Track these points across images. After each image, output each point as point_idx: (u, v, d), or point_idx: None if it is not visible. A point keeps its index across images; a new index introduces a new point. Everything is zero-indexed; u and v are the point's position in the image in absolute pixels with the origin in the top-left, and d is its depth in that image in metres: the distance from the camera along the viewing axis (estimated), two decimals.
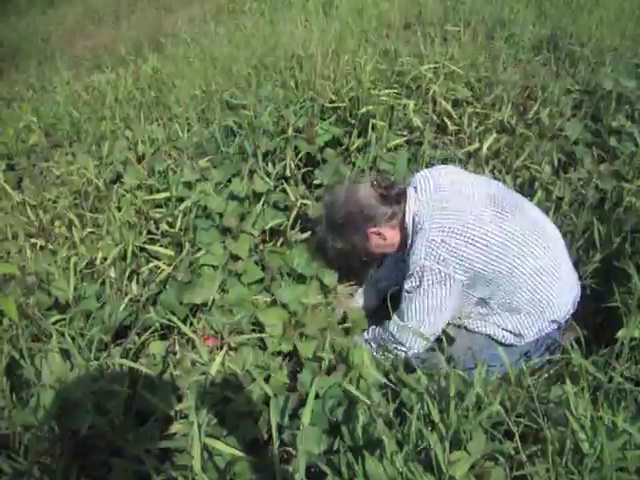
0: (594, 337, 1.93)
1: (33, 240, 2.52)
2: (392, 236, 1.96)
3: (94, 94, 4.24)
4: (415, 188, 1.92)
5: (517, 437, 1.36)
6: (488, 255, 1.73)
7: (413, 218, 1.86)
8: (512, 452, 1.39)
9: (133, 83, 4.23)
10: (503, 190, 1.94)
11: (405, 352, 1.91)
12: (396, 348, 1.91)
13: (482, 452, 1.36)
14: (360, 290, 2.46)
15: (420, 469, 1.29)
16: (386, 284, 2.35)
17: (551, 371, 1.77)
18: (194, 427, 1.36)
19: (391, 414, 1.52)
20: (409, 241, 1.90)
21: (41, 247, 2.49)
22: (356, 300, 2.44)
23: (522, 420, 1.45)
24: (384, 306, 2.12)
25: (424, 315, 1.81)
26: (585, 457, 1.26)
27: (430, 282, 1.76)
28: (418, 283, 1.78)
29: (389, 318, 1.99)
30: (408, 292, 1.84)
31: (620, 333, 1.67)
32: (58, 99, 4.34)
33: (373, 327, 2.06)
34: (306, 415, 1.41)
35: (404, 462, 1.29)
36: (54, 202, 2.69)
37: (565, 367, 1.73)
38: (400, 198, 1.91)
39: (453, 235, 1.72)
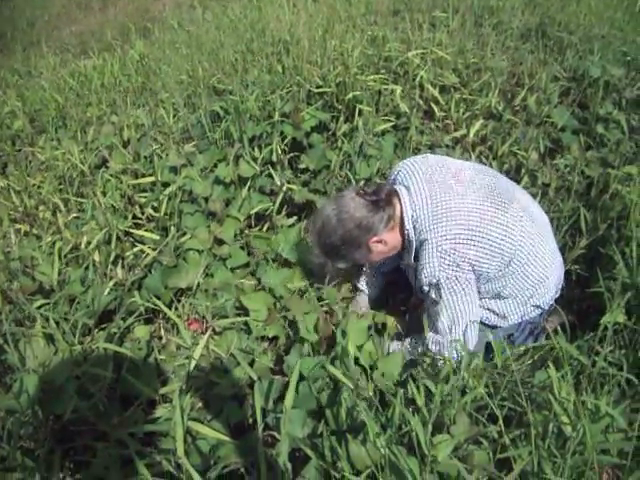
0: (579, 322, 1.95)
1: (17, 225, 2.50)
2: (392, 239, 1.89)
3: (80, 80, 4.19)
4: (407, 188, 1.85)
5: (501, 421, 1.37)
6: (491, 253, 1.73)
7: (413, 225, 1.81)
8: (496, 435, 1.40)
9: (120, 69, 4.20)
10: (494, 177, 1.90)
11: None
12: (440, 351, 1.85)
13: (466, 435, 1.37)
14: (362, 281, 2.36)
15: (403, 452, 1.30)
16: (387, 267, 2.31)
17: (535, 357, 1.77)
18: (177, 411, 1.36)
19: (374, 398, 1.52)
20: (412, 246, 1.85)
21: (25, 232, 2.47)
22: (361, 291, 2.37)
23: (506, 404, 1.46)
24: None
25: (457, 323, 1.77)
26: (568, 440, 1.27)
27: (450, 291, 1.74)
28: (440, 295, 1.76)
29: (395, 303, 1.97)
30: (433, 306, 1.81)
31: (604, 318, 1.68)
32: (44, 84, 4.29)
33: (411, 339, 1.95)
34: (289, 397, 1.41)
35: (386, 444, 1.29)
36: (39, 187, 2.67)
37: (550, 352, 1.74)
38: (390, 198, 1.84)
39: (459, 241, 1.70)
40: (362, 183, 2.51)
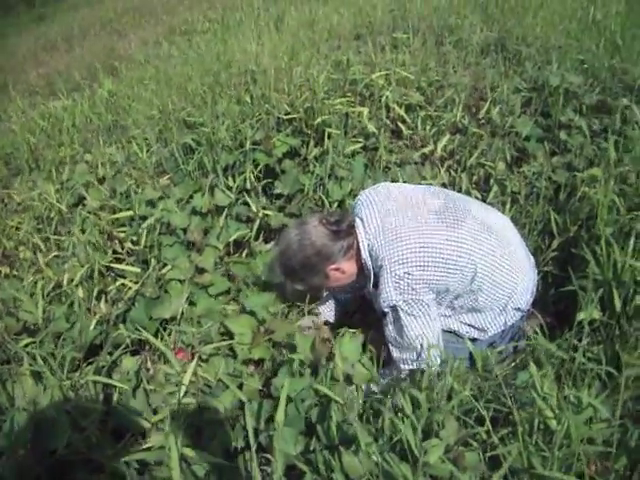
0: (557, 322, 2.00)
1: None
2: (350, 268, 1.96)
3: (51, 121, 4.21)
4: (361, 220, 1.91)
5: (488, 421, 1.41)
6: (448, 271, 1.78)
7: (369, 253, 1.87)
8: (484, 436, 1.43)
9: (90, 108, 4.23)
10: (449, 197, 1.96)
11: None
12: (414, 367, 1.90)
13: (455, 438, 1.40)
14: (321, 308, 2.41)
15: (396, 459, 1.33)
16: (344, 296, 2.37)
17: (517, 360, 1.82)
18: (171, 437, 1.37)
19: (361, 408, 1.56)
20: (370, 274, 1.90)
21: (6, 275, 2.48)
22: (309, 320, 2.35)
23: (491, 405, 1.50)
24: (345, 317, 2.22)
25: (418, 341, 1.82)
26: (554, 434, 1.31)
27: (408, 313, 1.79)
28: (398, 317, 1.81)
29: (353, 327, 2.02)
30: (393, 328, 1.86)
31: (580, 316, 1.74)
32: (14, 128, 4.31)
33: (381, 372, 1.99)
34: (280, 415, 1.44)
35: (379, 452, 1.32)
36: (17, 229, 2.68)
37: (531, 353, 1.79)
38: (351, 230, 1.90)
39: (413, 264, 1.75)
40: (326, 211, 2.55)
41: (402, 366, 1.91)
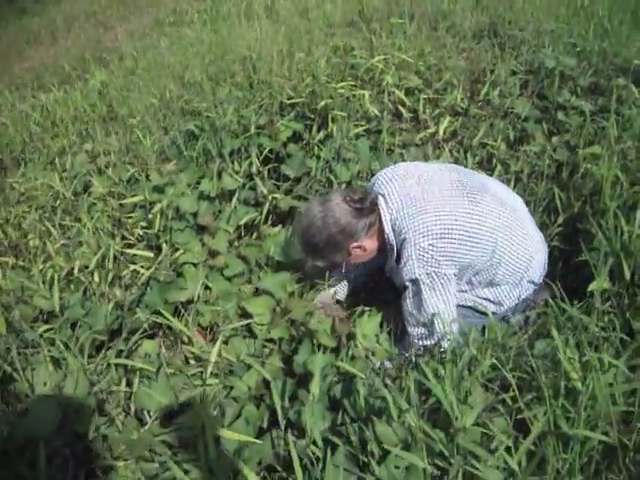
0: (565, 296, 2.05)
1: (3, 258, 2.49)
2: (371, 245, 1.98)
3: (43, 113, 4.18)
4: (383, 196, 1.94)
5: (514, 386, 1.44)
6: (471, 245, 1.81)
7: (392, 228, 1.90)
8: (510, 402, 1.47)
9: (83, 99, 4.20)
10: (464, 173, 2.00)
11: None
12: (429, 344, 1.93)
13: (484, 405, 1.44)
14: (332, 284, 2.41)
15: (429, 425, 1.36)
16: (356, 274, 2.39)
17: (529, 331, 1.86)
18: (206, 413, 1.39)
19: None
20: (393, 249, 1.92)
21: (12, 266, 2.46)
22: (329, 294, 2.41)
23: (515, 373, 1.54)
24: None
25: (436, 317, 1.85)
26: (578, 395, 1.35)
27: (429, 287, 1.82)
28: (419, 290, 1.84)
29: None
30: (414, 302, 1.89)
31: (591, 286, 1.79)
32: (5, 121, 4.27)
33: (398, 348, 2.01)
34: (314, 387, 1.47)
35: (417, 418, 1.35)
36: (21, 218, 2.67)
37: (544, 323, 1.83)
38: (374, 207, 1.92)
39: (437, 236, 1.77)
40: (343, 186, 2.59)
41: (417, 341, 1.94)
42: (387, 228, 1.90)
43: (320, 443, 1.44)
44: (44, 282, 2.19)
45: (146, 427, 1.74)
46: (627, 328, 1.70)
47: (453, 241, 1.78)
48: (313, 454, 1.45)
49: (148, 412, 1.80)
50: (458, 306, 1.95)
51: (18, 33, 8.92)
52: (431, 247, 1.77)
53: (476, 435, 1.34)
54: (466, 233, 1.79)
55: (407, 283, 1.86)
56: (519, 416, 1.40)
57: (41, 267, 2.29)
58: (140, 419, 1.78)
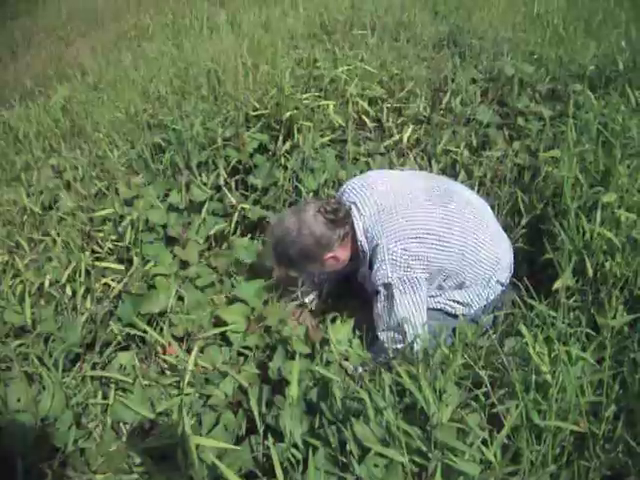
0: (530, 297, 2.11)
1: None
2: (344, 254, 2.01)
3: (5, 129, 4.13)
4: (354, 204, 1.97)
5: (486, 382, 1.49)
6: (442, 248, 1.85)
7: (365, 235, 1.93)
8: (483, 398, 1.51)
9: (46, 114, 4.16)
10: (431, 178, 2.07)
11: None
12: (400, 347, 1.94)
13: (457, 402, 1.48)
14: (304, 291, 2.43)
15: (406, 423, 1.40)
16: (323, 278, 2.43)
17: (498, 330, 1.91)
18: (186, 421, 1.39)
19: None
20: (366, 255, 1.95)
21: None
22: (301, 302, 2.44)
23: (487, 371, 1.58)
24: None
25: (406, 321, 1.88)
26: (549, 388, 1.40)
27: (401, 291, 1.85)
28: (391, 295, 1.87)
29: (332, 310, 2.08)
30: (384, 306, 1.92)
31: (557, 283, 1.85)
32: None
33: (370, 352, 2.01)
34: (293, 390, 1.49)
35: (395, 417, 1.38)
36: None
37: (511, 324, 1.88)
38: (347, 218, 1.95)
39: (409, 240, 1.81)
40: (311, 195, 2.62)
41: (387, 345, 1.96)
42: (360, 235, 1.93)
43: (301, 445, 1.46)
44: (14, 297, 2.17)
45: (123, 439, 1.74)
46: (592, 323, 1.76)
47: (425, 245, 1.83)
48: (293, 457, 1.47)
49: (125, 424, 1.80)
50: (428, 309, 1.98)
51: None
52: (404, 251, 1.81)
53: (452, 430, 1.38)
54: (437, 236, 1.84)
55: (379, 287, 1.89)
56: (493, 410, 1.44)
57: (10, 283, 2.27)
58: (117, 432, 1.78)
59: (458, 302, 2.04)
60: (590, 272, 1.91)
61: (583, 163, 2.40)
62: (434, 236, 1.84)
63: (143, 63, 4.69)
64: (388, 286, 1.86)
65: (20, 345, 1.95)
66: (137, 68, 4.61)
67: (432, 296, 2.03)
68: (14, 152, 3.69)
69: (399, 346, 1.93)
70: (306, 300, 2.39)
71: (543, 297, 1.86)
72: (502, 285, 2.04)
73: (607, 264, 1.93)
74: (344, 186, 2.11)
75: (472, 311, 2.05)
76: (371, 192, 1.95)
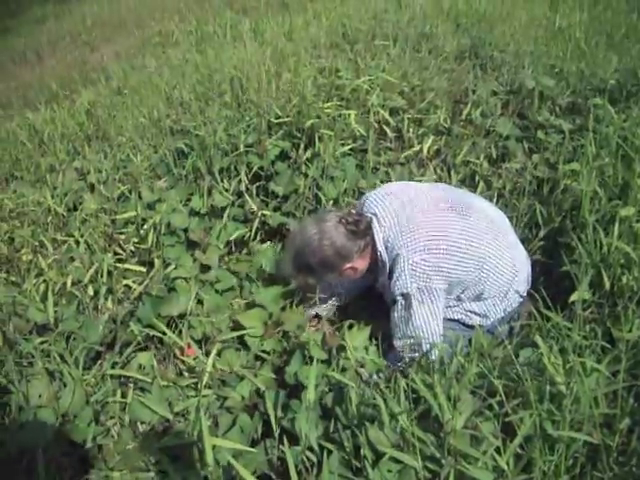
0: (546, 309, 2.12)
1: None
2: (362, 265, 2.03)
3: (31, 132, 4.21)
4: (375, 215, 1.99)
5: (501, 390, 1.50)
6: (460, 259, 1.87)
7: (385, 245, 1.94)
8: (497, 407, 1.52)
9: (70, 118, 4.23)
10: (450, 190, 2.09)
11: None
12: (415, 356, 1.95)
13: (472, 410, 1.49)
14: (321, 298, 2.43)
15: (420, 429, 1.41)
16: (341, 287, 2.43)
17: (514, 341, 1.92)
18: (203, 421, 1.41)
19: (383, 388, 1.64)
20: (385, 266, 1.96)
21: (5, 280, 2.49)
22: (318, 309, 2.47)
23: (501, 381, 1.59)
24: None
25: (421, 330, 1.90)
26: (564, 399, 1.41)
27: (419, 301, 1.87)
28: (409, 304, 1.88)
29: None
30: (402, 315, 1.93)
31: (573, 296, 1.86)
32: None
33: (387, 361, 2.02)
34: (310, 394, 1.51)
35: (410, 423, 1.40)
36: (11, 233, 2.69)
37: (528, 333, 1.89)
38: (368, 230, 1.97)
39: (429, 251, 1.83)
40: (330, 205, 2.65)
41: (403, 354, 1.97)
42: (380, 246, 1.95)
43: (317, 448, 1.48)
44: (37, 295, 2.22)
45: (140, 438, 1.77)
46: (608, 336, 1.77)
47: (444, 256, 1.85)
48: (308, 460, 1.49)
49: (142, 423, 1.83)
50: (446, 319, 2.00)
51: (2, 52, 8.95)
52: (423, 262, 1.83)
53: (466, 437, 1.39)
54: (457, 248, 1.86)
55: (398, 297, 1.91)
56: (506, 419, 1.45)
57: (34, 281, 2.32)
58: (134, 430, 1.81)
59: (475, 313, 2.05)
60: (607, 285, 1.92)
61: (602, 177, 2.41)
62: (454, 248, 1.86)
63: (167, 69, 4.76)
64: (406, 296, 1.88)
65: (42, 342, 1.99)
66: (161, 74, 4.68)
67: (450, 307, 2.05)
68: (39, 154, 3.76)
69: (415, 355, 1.95)
70: (323, 308, 2.42)
71: (559, 309, 1.87)
72: (519, 297, 2.05)
73: (624, 278, 1.94)
74: (364, 197, 2.14)
75: (489, 322, 2.06)
76: (391, 202, 1.98)
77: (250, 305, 2.20)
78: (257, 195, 2.87)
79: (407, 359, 1.96)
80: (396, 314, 1.95)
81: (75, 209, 2.85)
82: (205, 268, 2.35)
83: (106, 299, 2.22)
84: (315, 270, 2.01)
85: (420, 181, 2.68)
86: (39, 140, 4.03)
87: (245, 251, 2.62)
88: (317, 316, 2.42)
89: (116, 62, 6.18)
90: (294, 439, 1.57)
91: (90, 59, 7.20)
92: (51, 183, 3.14)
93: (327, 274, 2.04)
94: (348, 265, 1.99)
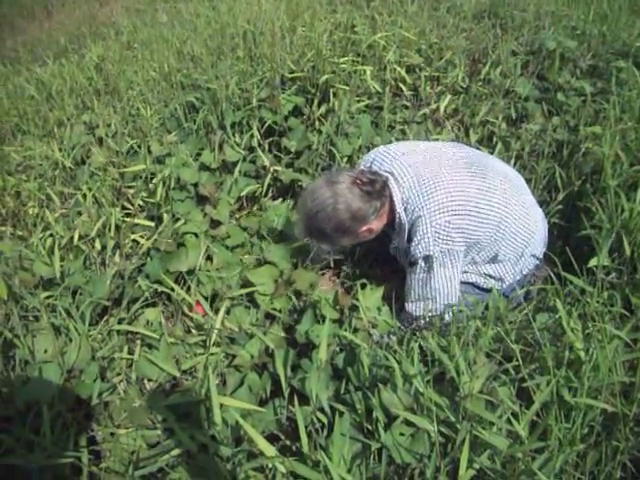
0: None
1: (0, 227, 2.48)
2: (378, 225, 1.94)
3: (39, 86, 4.14)
4: (392, 174, 1.91)
5: (518, 355, 1.46)
6: (480, 220, 1.81)
7: (404, 206, 1.87)
8: (513, 372, 1.48)
9: (79, 72, 4.15)
10: (466, 149, 2.00)
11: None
12: (427, 319, 1.92)
13: (488, 374, 1.45)
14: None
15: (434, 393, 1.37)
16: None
17: (530, 306, 1.87)
18: (211, 379, 1.37)
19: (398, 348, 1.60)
20: (404, 228, 1.89)
21: (11, 234, 2.45)
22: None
23: (518, 346, 1.55)
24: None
25: (438, 293, 1.87)
26: (582, 365, 1.37)
27: (440, 263, 1.82)
28: (430, 267, 1.84)
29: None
30: (420, 277, 1.88)
31: (592, 261, 1.80)
32: None
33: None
34: (322, 353, 1.47)
35: (425, 385, 1.36)
36: (18, 187, 2.65)
37: (544, 297, 1.84)
38: (383, 189, 1.87)
39: (453, 212, 1.77)
40: (345, 161, 2.59)
41: (417, 314, 1.94)
42: (399, 208, 1.87)
43: (327, 409, 1.45)
44: (44, 249, 2.18)
45: (147, 395, 1.75)
46: (626, 303, 1.72)
47: (466, 217, 1.78)
48: (319, 421, 1.46)
49: (149, 380, 1.81)
50: (461, 283, 1.94)
51: (11, 7, 8.80)
52: (447, 224, 1.76)
53: (482, 402, 1.35)
54: (478, 209, 1.79)
55: (419, 260, 1.85)
56: (523, 385, 1.41)
57: (40, 235, 2.28)
58: (140, 387, 1.78)
59: (490, 276, 2.01)
60: (628, 251, 1.85)
61: (624, 141, 2.33)
62: (475, 209, 1.79)
63: (178, 23, 4.65)
64: (428, 259, 1.82)
65: (48, 297, 1.95)
66: (172, 28, 4.57)
67: (465, 271, 2.00)
68: (47, 108, 3.69)
69: (426, 317, 1.90)
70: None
71: (576, 275, 1.82)
72: (535, 260, 2.00)
73: None
74: (371, 154, 2.05)
75: (505, 285, 2.01)
76: (408, 162, 1.90)
77: (260, 262, 2.16)
78: (269, 151, 2.81)
79: (421, 320, 1.92)
80: (414, 276, 1.90)
81: (83, 163, 2.80)
82: (215, 223, 2.31)
83: (113, 254, 2.17)
84: (330, 235, 1.91)
85: (437, 140, 2.61)
86: (47, 94, 3.96)
87: (257, 207, 2.56)
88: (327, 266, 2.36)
89: (126, 17, 6.05)
90: (304, 399, 1.53)
91: (99, 14, 7.06)
92: (59, 137, 3.09)
93: (342, 238, 1.94)
94: (364, 228, 1.90)
